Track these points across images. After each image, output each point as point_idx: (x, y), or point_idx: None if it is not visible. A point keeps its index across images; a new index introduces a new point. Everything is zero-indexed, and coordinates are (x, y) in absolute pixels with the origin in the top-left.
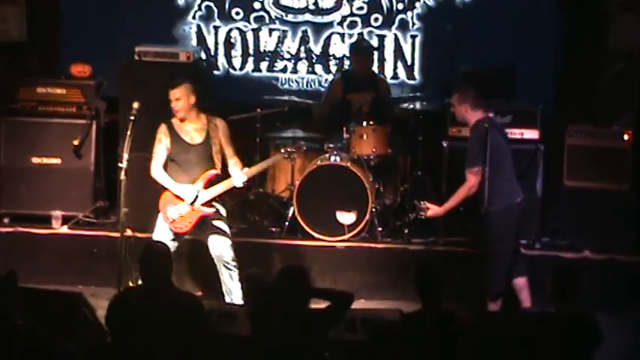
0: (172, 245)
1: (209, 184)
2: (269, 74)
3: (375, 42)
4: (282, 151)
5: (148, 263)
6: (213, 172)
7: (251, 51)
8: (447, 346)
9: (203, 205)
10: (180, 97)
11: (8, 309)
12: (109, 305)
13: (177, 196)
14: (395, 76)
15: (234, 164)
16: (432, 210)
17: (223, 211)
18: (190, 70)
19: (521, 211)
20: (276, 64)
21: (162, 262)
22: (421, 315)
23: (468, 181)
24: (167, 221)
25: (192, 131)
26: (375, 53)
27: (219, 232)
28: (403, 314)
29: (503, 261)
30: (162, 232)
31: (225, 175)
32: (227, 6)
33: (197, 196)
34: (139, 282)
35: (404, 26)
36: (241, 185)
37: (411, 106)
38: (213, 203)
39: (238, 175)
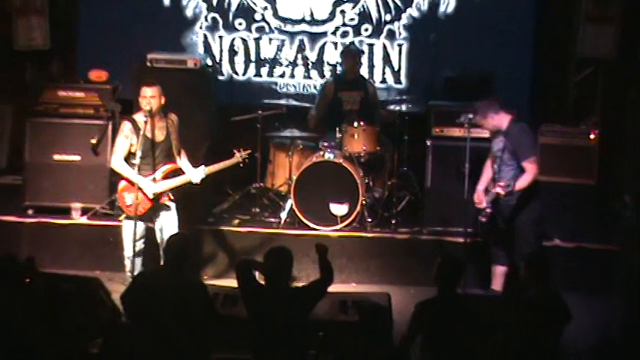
0: (141, 226)
1: (167, 175)
2: (269, 79)
3: (365, 50)
4: (237, 155)
5: (168, 251)
6: (170, 165)
7: (252, 58)
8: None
9: (159, 193)
10: (155, 96)
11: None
12: (125, 289)
13: (136, 186)
14: (383, 81)
15: (184, 158)
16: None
17: (173, 206)
18: (197, 75)
19: None
20: (275, 70)
21: (179, 250)
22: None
23: (531, 171)
24: (123, 206)
25: (157, 129)
26: (364, 57)
27: (170, 220)
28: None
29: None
30: (127, 218)
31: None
32: (231, 17)
33: (158, 188)
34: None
35: (391, 36)
36: (198, 182)
37: (398, 107)
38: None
39: (197, 173)
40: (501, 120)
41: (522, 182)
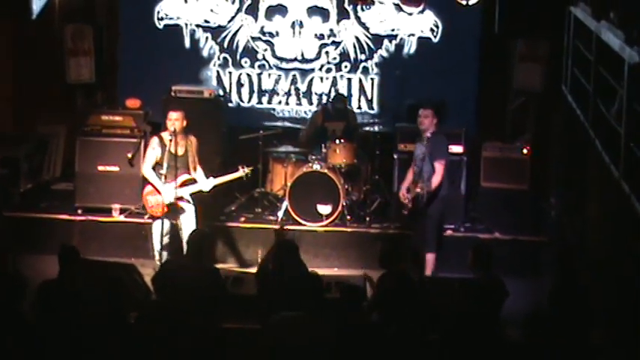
0: (167, 224)
1: (184, 184)
2: (268, 106)
3: (345, 82)
4: (241, 170)
5: (189, 243)
6: (187, 176)
7: (255, 89)
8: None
9: (176, 198)
10: (179, 119)
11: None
12: (155, 273)
13: (158, 190)
14: (359, 107)
15: (200, 172)
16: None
17: (192, 208)
18: (212, 103)
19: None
20: (273, 99)
21: (198, 243)
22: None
23: (440, 171)
24: (147, 207)
25: (179, 146)
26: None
27: (190, 219)
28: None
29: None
30: (151, 217)
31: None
32: (238, 57)
33: (175, 194)
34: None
35: (366, 71)
36: (208, 190)
37: (371, 128)
38: (187, 198)
39: (208, 183)
40: (434, 126)
41: (435, 181)
